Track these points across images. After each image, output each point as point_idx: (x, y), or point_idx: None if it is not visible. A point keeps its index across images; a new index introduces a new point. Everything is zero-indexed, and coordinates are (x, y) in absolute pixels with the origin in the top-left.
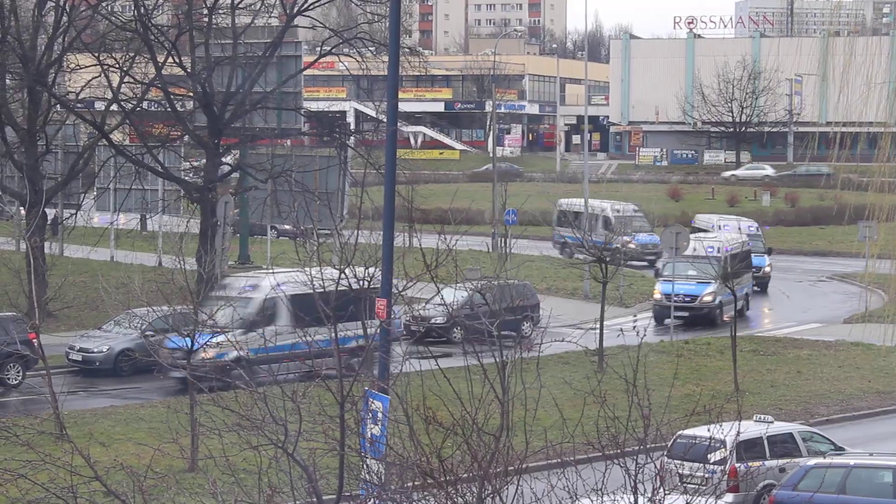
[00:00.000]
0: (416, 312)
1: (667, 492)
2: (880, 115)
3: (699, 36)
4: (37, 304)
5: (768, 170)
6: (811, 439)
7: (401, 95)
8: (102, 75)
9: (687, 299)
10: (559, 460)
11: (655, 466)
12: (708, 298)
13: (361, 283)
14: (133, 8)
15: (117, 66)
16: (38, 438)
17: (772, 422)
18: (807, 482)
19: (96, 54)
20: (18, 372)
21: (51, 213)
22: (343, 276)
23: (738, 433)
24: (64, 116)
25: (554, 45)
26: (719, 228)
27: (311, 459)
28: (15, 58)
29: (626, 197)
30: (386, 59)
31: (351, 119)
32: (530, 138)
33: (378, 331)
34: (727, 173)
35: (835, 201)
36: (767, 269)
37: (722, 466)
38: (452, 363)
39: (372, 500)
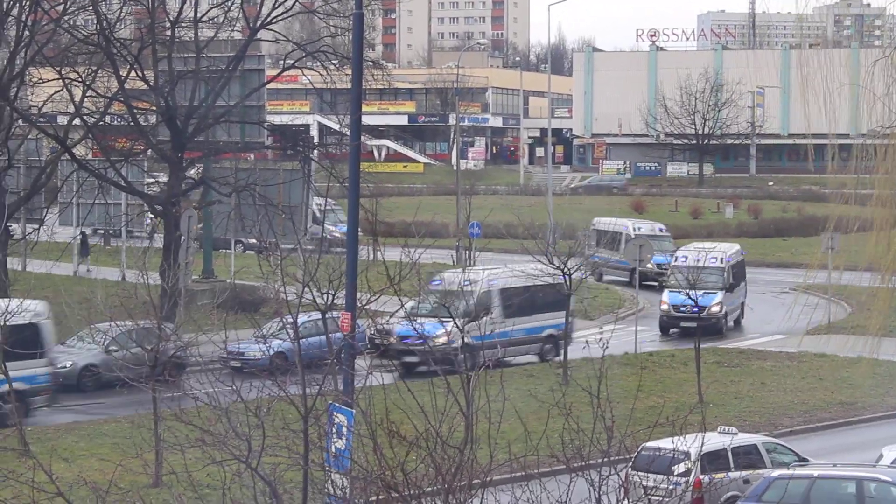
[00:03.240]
0: (381, 326)
1: None
2: (841, 128)
3: (662, 49)
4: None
5: None
6: (775, 450)
7: (364, 108)
8: (65, 89)
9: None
10: (523, 473)
11: (620, 479)
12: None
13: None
14: (95, 22)
15: (80, 80)
16: (0, 455)
17: (736, 433)
18: (771, 493)
19: (58, 68)
20: None
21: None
22: None
23: (703, 445)
24: (26, 131)
25: (517, 59)
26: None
27: (275, 474)
28: None
29: (590, 209)
30: (349, 72)
31: (314, 132)
32: (494, 151)
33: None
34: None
35: (797, 213)
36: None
37: (686, 478)
38: (416, 376)
39: None
